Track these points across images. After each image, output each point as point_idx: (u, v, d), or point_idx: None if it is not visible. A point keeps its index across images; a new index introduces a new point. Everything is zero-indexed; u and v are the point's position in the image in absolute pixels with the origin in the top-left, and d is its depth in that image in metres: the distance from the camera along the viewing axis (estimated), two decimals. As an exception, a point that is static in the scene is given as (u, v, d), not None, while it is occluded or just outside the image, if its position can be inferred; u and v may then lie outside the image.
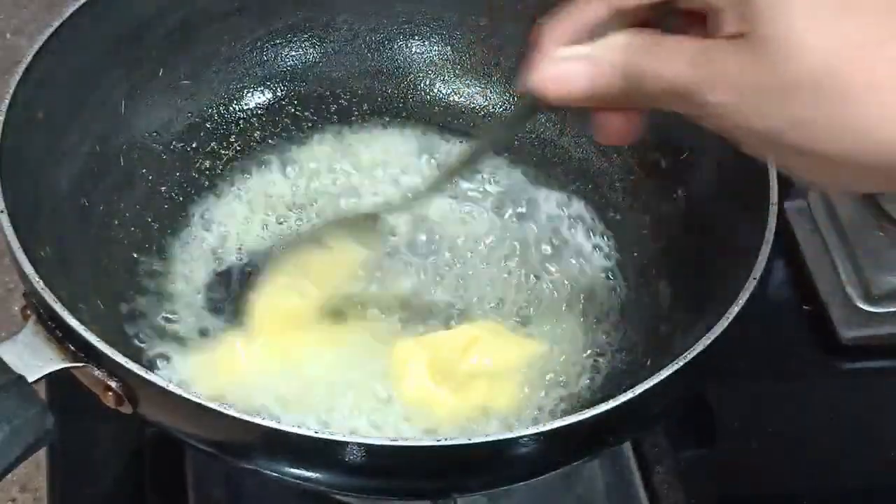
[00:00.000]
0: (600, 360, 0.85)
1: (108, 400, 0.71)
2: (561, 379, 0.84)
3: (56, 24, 0.83)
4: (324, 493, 0.77)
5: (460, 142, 0.96)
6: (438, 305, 0.87)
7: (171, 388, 0.68)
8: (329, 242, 0.86)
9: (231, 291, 0.87)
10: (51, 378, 0.70)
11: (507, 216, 0.92)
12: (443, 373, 0.82)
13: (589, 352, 0.85)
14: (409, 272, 0.88)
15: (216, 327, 0.85)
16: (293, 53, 0.98)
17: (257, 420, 0.66)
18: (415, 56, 0.99)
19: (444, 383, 0.81)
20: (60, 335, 0.70)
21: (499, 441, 0.67)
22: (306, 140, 0.96)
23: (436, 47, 0.99)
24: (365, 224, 0.86)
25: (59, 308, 0.70)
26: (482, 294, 0.88)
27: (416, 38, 0.99)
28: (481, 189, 0.94)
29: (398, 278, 0.87)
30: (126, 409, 0.71)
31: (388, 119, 0.98)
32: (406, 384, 0.81)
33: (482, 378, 0.82)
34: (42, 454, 0.85)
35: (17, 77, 0.79)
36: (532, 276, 0.89)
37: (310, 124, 0.97)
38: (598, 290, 0.89)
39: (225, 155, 0.95)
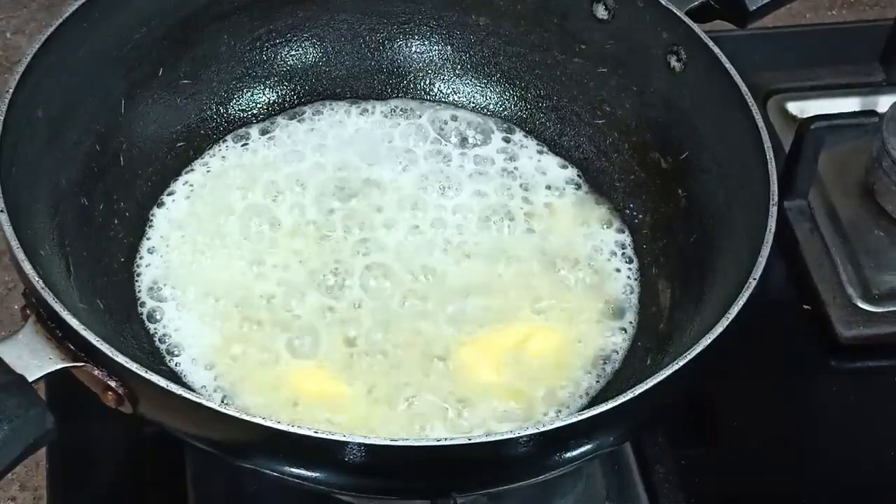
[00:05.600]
0: (600, 359, 0.85)
1: (108, 400, 0.71)
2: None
3: (56, 23, 0.83)
4: (324, 493, 0.77)
5: (459, 142, 0.96)
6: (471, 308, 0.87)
7: (172, 387, 0.68)
8: None
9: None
10: (51, 378, 0.70)
11: (504, 218, 0.92)
12: (508, 366, 0.84)
13: (590, 351, 0.85)
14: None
15: (220, 329, 0.85)
16: (293, 53, 0.98)
17: (257, 420, 0.66)
18: (415, 56, 0.99)
19: (511, 375, 0.83)
20: (60, 335, 0.70)
21: (499, 441, 0.68)
22: (306, 139, 0.96)
23: (436, 47, 0.99)
24: None
25: (59, 308, 0.70)
26: (493, 293, 0.88)
27: (416, 37, 0.99)
28: (481, 189, 0.94)
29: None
30: (126, 408, 0.71)
31: (388, 118, 0.97)
32: (483, 384, 0.82)
33: (541, 367, 0.84)
34: (42, 453, 0.85)
35: (17, 76, 0.80)
36: (531, 275, 0.89)
37: (310, 123, 0.97)
38: (597, 290, 0.89)
39: (225, 154, 0.95)
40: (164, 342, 0.84)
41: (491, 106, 0.99)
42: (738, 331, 0.73)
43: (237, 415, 0.67)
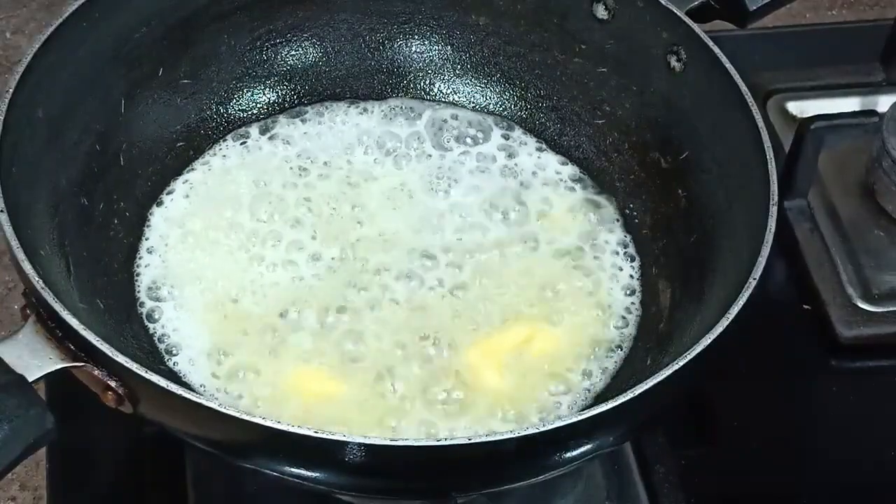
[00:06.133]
0: (600, 359, 0.85)
1: (108, 400, 0.71)
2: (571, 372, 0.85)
3: (56, 23, 0.83)
4: (324, 493, 0.77)
5: (459, 140, 0.96)
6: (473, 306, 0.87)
7: (172, 387, 0.68)
8: None
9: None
10: (51, 378, 0.70)
11: (504, 217, 0.92)
12: (509, 367, 0.84)
13: (590, 351, 0.85)
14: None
15: (219, 328, 0.85)
16: (293, 53, 0.98)
17: (257, 420, 0.66)
18: (415, 56, 0.99)
19: (511, 376, 0.83)
20: (60, 335, 0.70)
21: (499, 441, 0.67)
22: (307, 139, 0.96)
23: (436, 47, 0.99)
24: None
25: (58, 307, 0.70)
26: (494, 292, 0.88)
27: (416, 37, 0.99)
28: (481, 187, 0.94)
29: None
30: (126, 408, 0.71)
31: (388, 117, 0.97)
32: (484, 385, 0.83)
33: (541, 367, 0.84)
34: (42, 453, 0.85)
35: (17, 76, 0.79)
36: (531, 275, 0.89)
37: (310, 123, 0.97)
38: (597, 290, 0.89)
39: (225, 153, 0.95)
40: (164, 342, 0.84)
41: (491, 106, 0.99)
42: (738, 331, 0.73)
43: (237, 415, 0.67)
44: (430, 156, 0.95)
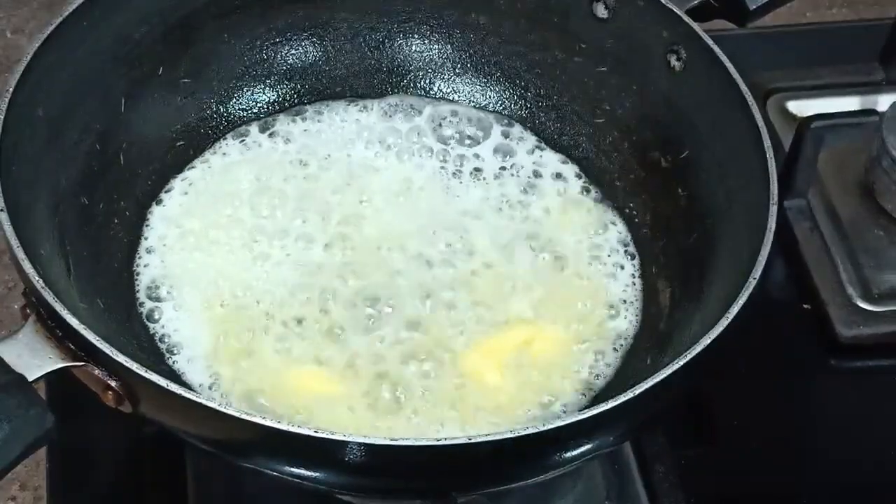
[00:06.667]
0: (600, 359, 0.85)
1: (108, 399, 0.71)
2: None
3: (56, 22, 0.83)
4: (324, 493, 0.77)
5: (459, 137, 0.96)
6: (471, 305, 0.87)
7: (172, 387, 0.68)
8: None
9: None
10: (51, 378, 0.70)
11: (504, 215, 0.92)
12: (509, 367, 0.84)
13: (590, 351, 0.85)
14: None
15: (218, 328, 0.85)
16: (293, 52, 0.98)
17: (257, 419, 0.66)
18: (415, 54, 0.99)
19: (512, 376, 0.83)
20: (60, 334, 0.70)
21: (499, 441, 0.67)
22: (307, 136, 0.96)
23: (436, 46, 0.99)
24: None
25: (58, 307, 0.70)
26: (493, 292, 0.88)
27: (416, 36, 0.99)
28: (482, 186, 0.94)
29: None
30: (126, 408, 0.71)
31: (388, 115, 0.97)
32: (485, 385, 0.83)
33: (542, 368, 0.84)
34: (42, 453, 0.85)
35: (17, 75, 0.79)
36: (530, 276, 0.89)
37: (310, 121, 0.97)
38: (597, 290, 0.89)
39: (225, 152, 0.95)
40: (164, 342, 0.84)
41: (491, 105, 0.99)
42: (738, 331, 0.73)
43: (237, 414, 0.67)
44: (429, 151, 0.95)
